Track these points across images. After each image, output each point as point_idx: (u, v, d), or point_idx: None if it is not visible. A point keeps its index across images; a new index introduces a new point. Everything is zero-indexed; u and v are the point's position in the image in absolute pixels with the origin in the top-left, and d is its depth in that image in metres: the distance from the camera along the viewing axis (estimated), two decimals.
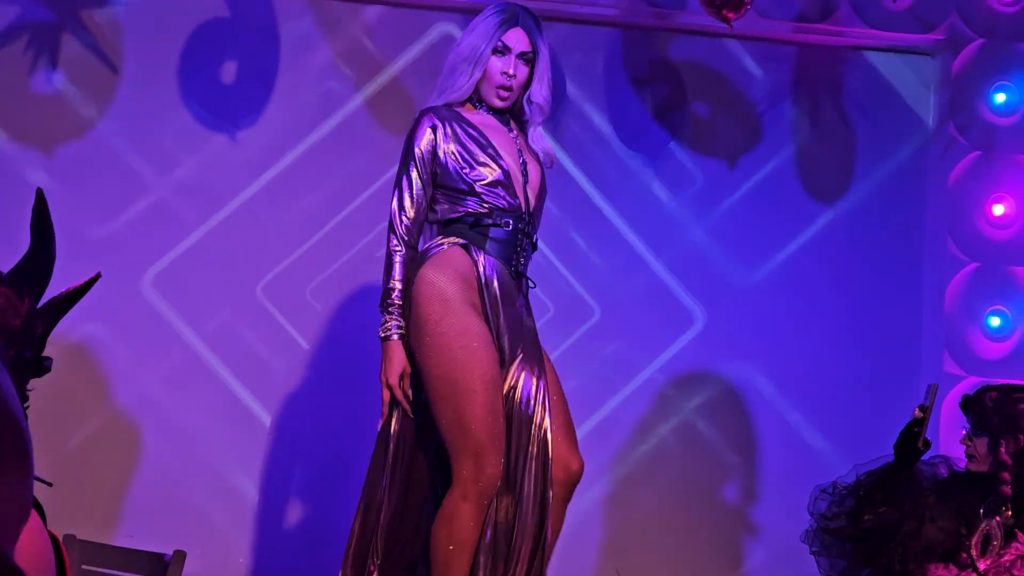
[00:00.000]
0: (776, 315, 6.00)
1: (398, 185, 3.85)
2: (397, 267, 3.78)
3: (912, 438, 3.92)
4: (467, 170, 3.83)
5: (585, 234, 5.87)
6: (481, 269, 3.79)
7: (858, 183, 6.11)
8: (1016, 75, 6.04)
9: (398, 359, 3.74)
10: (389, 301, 3.77)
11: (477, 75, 3.92)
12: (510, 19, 3.92)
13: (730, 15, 5.17)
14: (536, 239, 4.00)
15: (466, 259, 3.79)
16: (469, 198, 3.84)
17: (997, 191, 6.02)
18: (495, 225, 3.84)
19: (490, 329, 3.74)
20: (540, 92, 3.95)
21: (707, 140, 5.99)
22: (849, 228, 6.08)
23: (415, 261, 3.82)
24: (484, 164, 3.86)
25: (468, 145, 3.86)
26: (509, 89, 3.93)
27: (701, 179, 5.98)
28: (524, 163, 3.92)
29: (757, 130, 6.01)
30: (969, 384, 5.74)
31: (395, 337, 3.74)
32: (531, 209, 3.91)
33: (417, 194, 3.82)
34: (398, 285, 3.76)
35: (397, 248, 3.80)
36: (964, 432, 4.01)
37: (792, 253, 6.04)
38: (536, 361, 3.80)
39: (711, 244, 6.00)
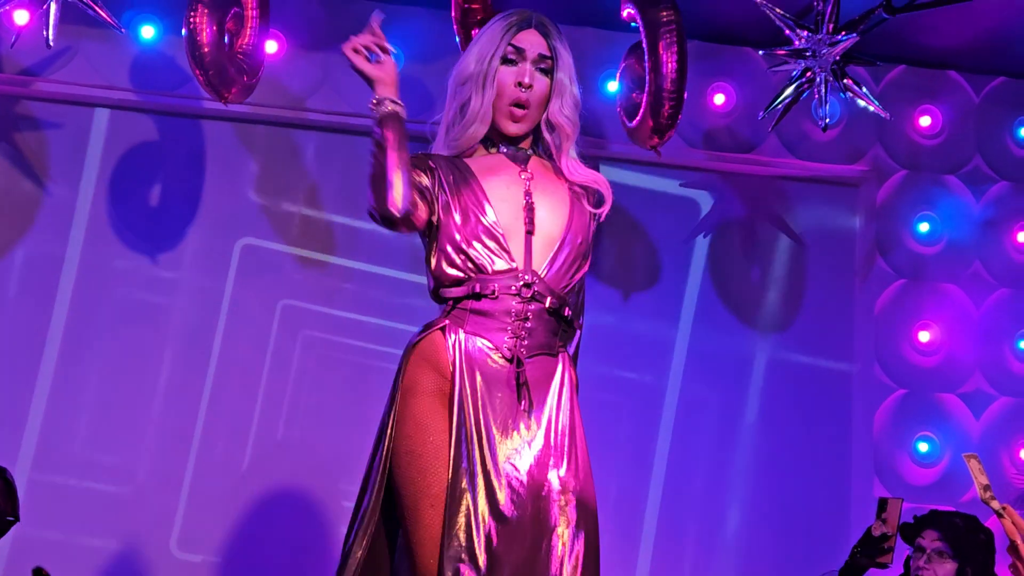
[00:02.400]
0: (703, 444, 6.00)
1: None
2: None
3: (879, 553, 3.79)
4: (449, 225, 3.04)
5: None
6: (451, 353, 2.99)
7: (787, 311, 6.16)
8: (939, 205, 6.16)
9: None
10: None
11: (491, 93, 3.07)
12: (521, 20, 3.13)
13: (657, 143, 5.21)
14: (569, 311, 3.11)
15: (442, 344, 3.01)
16: (456, 258, 3.04)
17: (923, 318, 6.10)
18: (479, 295, 3.02)
19: (462, 423, 2.93)
20: (561, 110, 3.12)
21: (627, 269, 6.04)
22: (779, 355, 6.12)
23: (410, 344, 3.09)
24: (464, 214, 3.05)
25: (451, 190, 3.07)
26: (524, 106, 3.09)
27: (619, 305, 6.01)
28: (531, 207, 3.05)
29: (683, 259, 6.07)
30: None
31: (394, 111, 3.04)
32: (545, 268, 3.04)
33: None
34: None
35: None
36: (923, 553, 3.86)
37: (721, 380, 6.06)
38: (569, 490, 2.95)
39: None
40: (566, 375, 3.06)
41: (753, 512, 6.00)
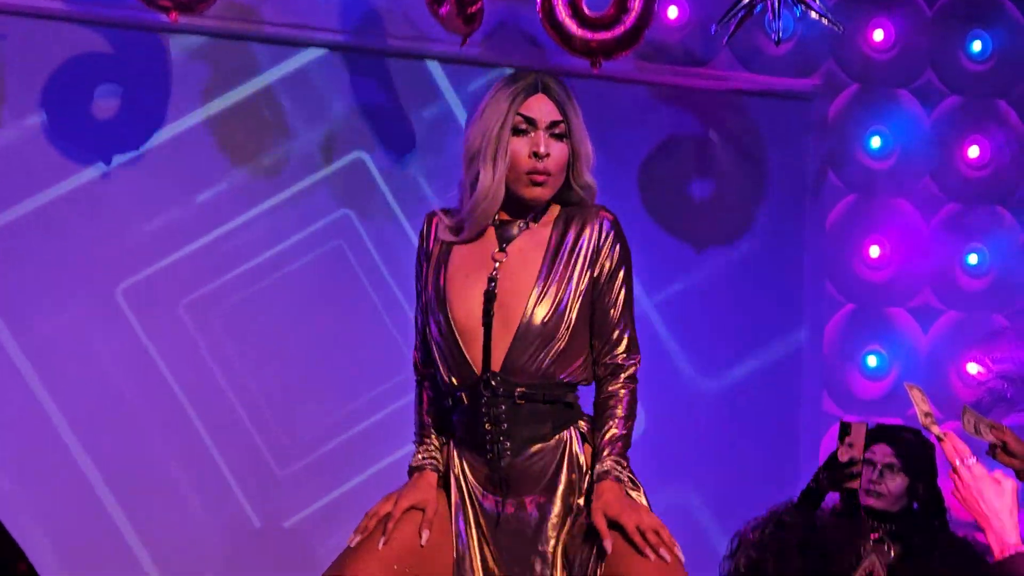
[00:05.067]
0: (648, 360, 6.01)
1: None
2: (419, 402, 3.00)
3: (846, 478, 3.75)
4: (431, 326, 2.89)
5: None
6: (454, 466, 2.89)
7: (738, 226, 6.16)
8: (891, 120, 6.16)
9: (425, 484, 2.88)
10: (416, 433, 3.00)
11: (504, 168, 2.82)
12: (528, 86, 2.88)
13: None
14: (555, 390, 2.87)
15: (446, 457, 2.93)
16: (439, 369, 2.90)
17: (873, 233, 6.12)
18: (454, 407, 2.88)
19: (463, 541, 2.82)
20: (584, 173, 2.92)
21: None
22: (728, 270, 6.13)
23: None
24: (433, 320, 2.87)
25: (428, 290, 2.90)
26: (545, 173, 2.84)
27: None
28: (490, 296, 2.82)
29: (632, 174, 6.04)
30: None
31: (428, 468, 2.90)
32: (504, 362, 2.81)
33: (421, 323, 2.96)
34: (423, 419, 2.97)
35: (417, 380, 3.03)
36: (874, 467, 3.86)
37: (670, 295, 6.08)
38: None
39: None
40: (567, 456, 2.85)
41: (701, 428, 6.04)
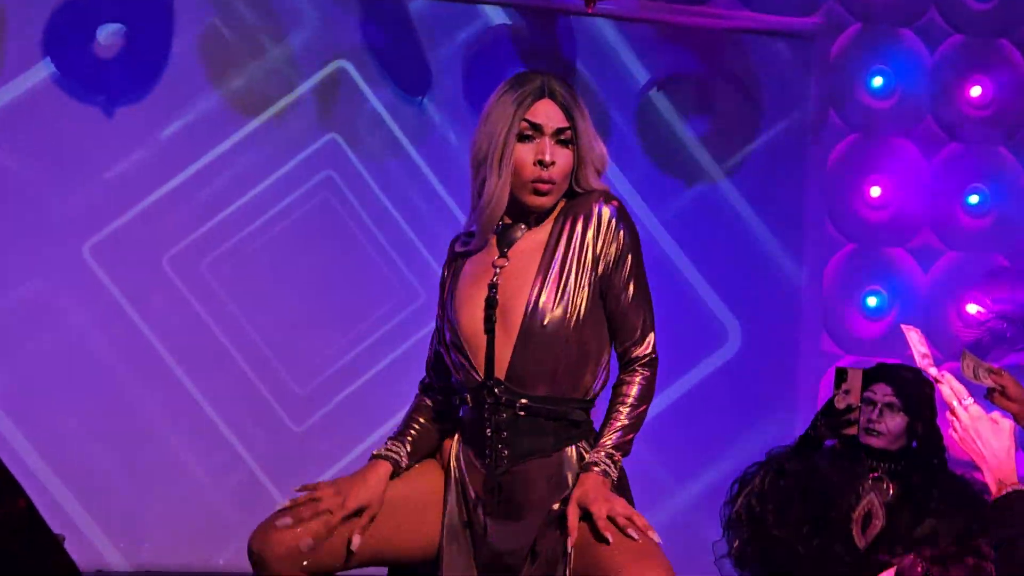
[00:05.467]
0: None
1: None
2: (412, 405, 2.97)
3: (843, 425, 3.73)
4: (441, 329, 2.89)
5: None
6: (446, 458, 2.88)
7: (738, 165, 6.14)
8: (892, 59, 6.12)
9: (372, 476, 2.82)
10: (397, 433, 2.95)
11: (509, 174, 2.77)
12: (534, 90, 2.81)
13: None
14: (561, 405, 2.79)
15: (447, 449, 2.90)
16: (449, 366, 2.88)
17: (874, 173, 6.10)
18: (460, 405, 2.85)
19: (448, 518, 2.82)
20: (591, 176, 2.84)
21: None
22: (729, 210, 6.12)
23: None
24: (444, 324, 2.87)
25: (445, 291, 2.90)
26: (549, 182, 2.78)
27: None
28: (491, 302, 2.78)
29: (633, 113, 6.02)
30: (846, 363, 5.81)
31: (386, 459, 2.85)
32: (507, 369, 2.75)
33: (437, 337, 2.93)
34: (409, 416, 2.94)
35: (420, 385, 3.01)
36: (874, 406, 3.85)
37: (669, 234, 6.06)
38: None
39: None
40: (568, 473, 2.77)
41: (699, 368, 6.05)
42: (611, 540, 2.59)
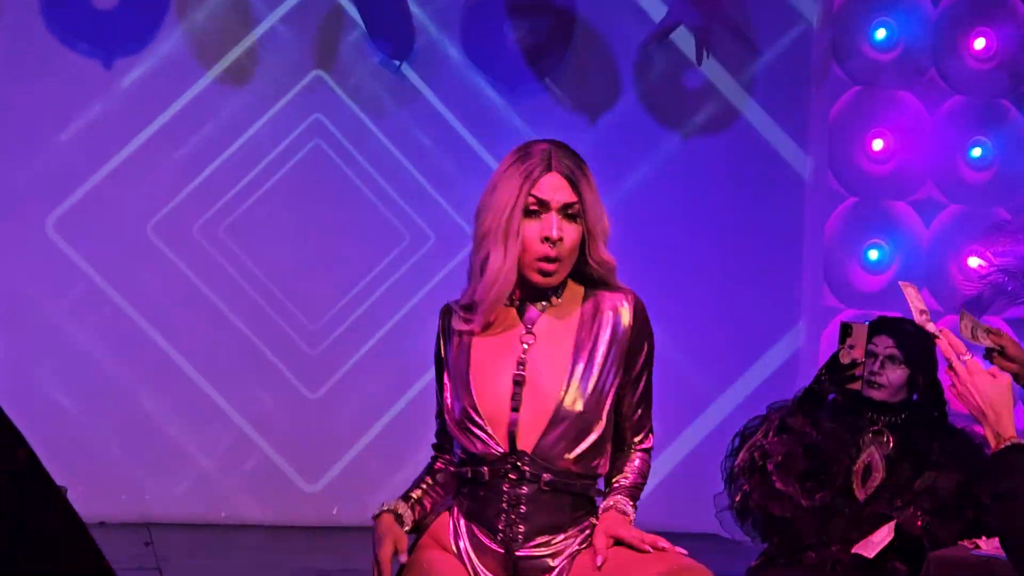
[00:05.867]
0: (650, 252, 6.03)
1: None
2: (425, 469, 2.90)
3: (847, 380, 3.72)
4: (446, 403, 2.80)
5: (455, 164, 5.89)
6: (452, 538, 2.78)
7: (741, 118, 6.14)
8: (896, 11, 6.09)
9: (386, 528, 2.76)
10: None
11: (515, 251, 2.70)
12: (540, 164, 2.73)
13: None
14: (583, 481, 2.75)
15: (446, 527, 2.80)
16: (455, 438, 2.80)
17: (876, 126, 6.09)
18: (472, 480, 2.76)
19: None
20: (599, 250, 2.77)
21: (582, 76, 5.99)
22: (730, 162, 6.11)
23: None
24: (454, 393, 2.78)
25: (448, 366, 2.81)
26: (555, 260, 2.72)
27: (574, 105, 5.98)
28: (519, 381, 2.73)
29: (629, 68, 6.01)
30: (847, 317, 5.82)
31: (385, 510, 2.80)
32: (536, 446, 2.71)
33: (440, 410, 2.86)
34: (421, 478, 2.89)
35: (433, 455, 2.92)
36: (876, 358, 3.85)
37: (672, 186, 6.06)
38: None
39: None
40: (582, 547, 2.72)
41: (700, 321, 6.05)
42: (646, 549, 2.61)
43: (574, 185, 2.72)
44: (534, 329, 2.77)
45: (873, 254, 6.09)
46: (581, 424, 2.71)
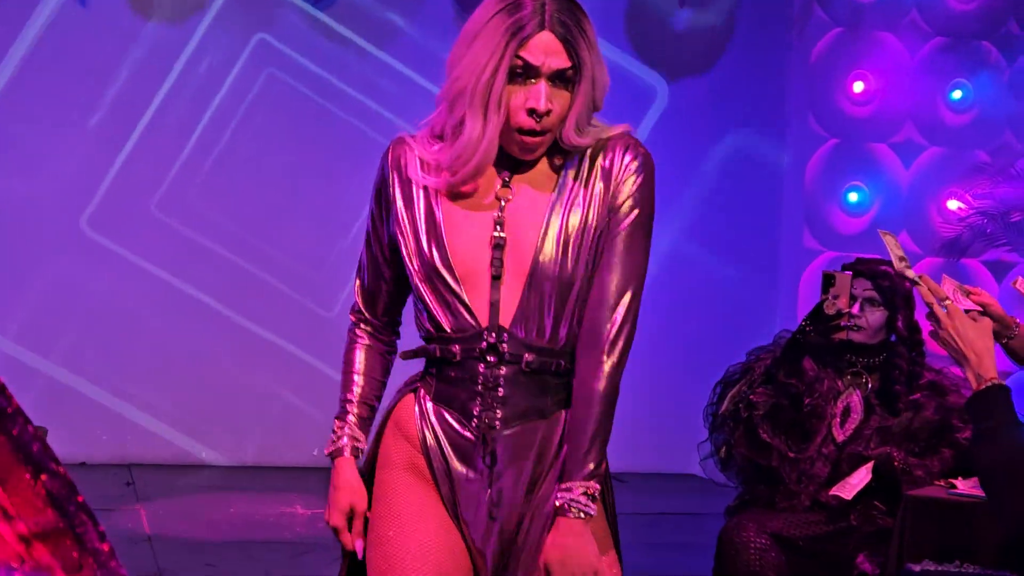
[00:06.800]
0: None
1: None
2: (353, 360, 2.49)
3: (832, 330, 3.70)
4: (410, 272, 2.37)
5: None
6: (418, 424, 2.41)
7: (722, 59, 6.11)
8: None
9: (343, 482, 2.44)
10: (340, 400, 2.51)
11: (497, 122, 2.28)
12: (532, 18, 2.26)
13: None
14: (564, 362, 2.34)
15: (412, 411, 2.42)
16: (419, 312, 2.40)
17: (857, 68, 6.07)
18: (442, 360, 2.38)
19: (445, 506, 2.39)
20: (578, 129, 2.31)
21: None
22: (711, 103, 6.10)
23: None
24: (420, 258, 2.36)
25: (407, 226, 2.37)
26: (540, 133, 2.30)
27: None
28: (498, 243, 2.32)
29: (620, 10, 5.98)
30: (827, 259, 5.83)
31: (346, 452, 2.44)
32: (514, 320, 2.33)
33: (372, 267, 2.45)
34: (351, 380, 2.49)
35: (352, 331, 2.51)
36: (855, 300, 3.84)
37: (648, 129, 6.05)
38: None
39: None
40: (561, 436, 2.37)
41: (680, 260, 6.06)
42: None
43: (571, 47, 2.27)
44: (512, 182, 2.36)
45: (853, 196, 6.09)
46: (560, 281, 2.32)
